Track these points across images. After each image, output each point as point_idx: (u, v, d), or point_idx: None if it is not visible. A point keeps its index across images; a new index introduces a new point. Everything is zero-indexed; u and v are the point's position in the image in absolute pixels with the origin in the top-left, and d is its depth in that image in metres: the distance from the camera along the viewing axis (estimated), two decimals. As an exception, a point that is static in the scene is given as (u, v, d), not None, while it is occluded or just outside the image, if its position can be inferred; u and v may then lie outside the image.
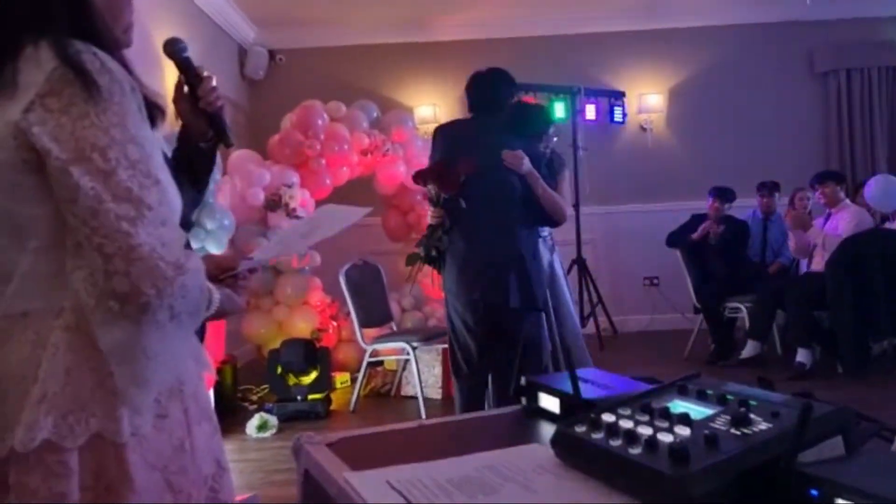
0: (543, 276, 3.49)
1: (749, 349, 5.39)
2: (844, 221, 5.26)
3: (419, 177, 3.30)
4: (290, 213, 5.26)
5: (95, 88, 0.96)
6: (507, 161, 3.17)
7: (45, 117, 0.95)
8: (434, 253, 3.31)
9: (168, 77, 3.91)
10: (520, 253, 3.19)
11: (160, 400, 1.06)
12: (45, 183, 0.98)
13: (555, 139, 3.92)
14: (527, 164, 3.20)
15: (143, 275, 0.95)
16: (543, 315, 3.31)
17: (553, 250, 4.04)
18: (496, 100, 3.35)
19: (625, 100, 7.16)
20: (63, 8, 1.03)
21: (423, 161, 6.08)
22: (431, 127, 6.97)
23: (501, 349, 3.23)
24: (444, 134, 3.38)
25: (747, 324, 5.57)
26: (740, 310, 5.64)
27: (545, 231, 3.86)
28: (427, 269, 3.51)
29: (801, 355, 5.04)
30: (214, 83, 1.36)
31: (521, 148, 3.22)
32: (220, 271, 1.17)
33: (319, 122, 5.50)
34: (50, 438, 0.97)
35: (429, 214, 3.36)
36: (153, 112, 1.09)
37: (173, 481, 1.06)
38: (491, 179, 3.18)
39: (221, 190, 5.02)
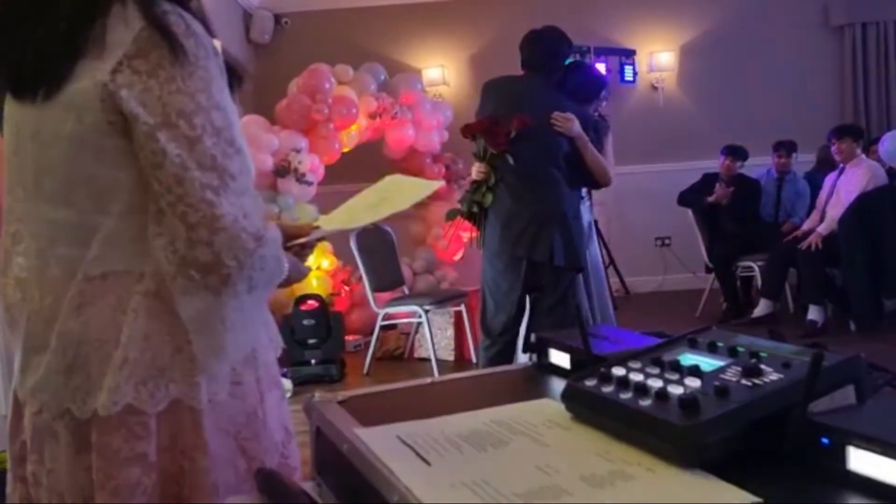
0: (584, 236, 3.51)
1: (761, 308, 5.40)
2: (858, 177, 5.21)
3: (468, 130, 3.30)
4: (300, 179, 5.25)
5: (182, 52, 0.94)
6: (557, 123, 3.16)
7: (133, 80, 0.94)
8: (475, 209, 3.31)
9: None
10: (563, 212, 3.19)
11: (235, 367, 1.07)
12: (128, 147, 0.97)
13: (604, 103, 3.90)
14: (576, 126, 3.19)
15: (225, 245, 0.94)
16: (580, 276, 3.32)
17: (591, 212, 4.04)
18: (550, 58, 3.32)
19: (635, 58, 7.05)
20: None
21: (432, 124, 6.07)
22: (440, 89, 6.98)
23: (539, 308, 3.23)
24: (495, 89, 3.35)
25: (759, 282, 5.56)
26: (753, 269, 5.62)
27: (584, 193, 3.86)
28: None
29: (814, 313, 5.03)
30: None
31: (572, 110, 3.20)
32: (288, 240, 1.15)
33: (327, 85, 5.46)
34: (132, 403, 0.98)
35: (473, 170, 3.35)
36: (231, 78, 1.06)
37: (246, 447, 1.08)
38: (539, 138, 3.17)
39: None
